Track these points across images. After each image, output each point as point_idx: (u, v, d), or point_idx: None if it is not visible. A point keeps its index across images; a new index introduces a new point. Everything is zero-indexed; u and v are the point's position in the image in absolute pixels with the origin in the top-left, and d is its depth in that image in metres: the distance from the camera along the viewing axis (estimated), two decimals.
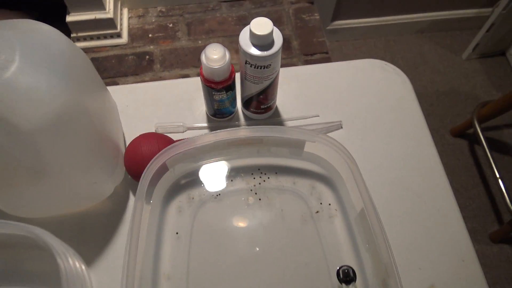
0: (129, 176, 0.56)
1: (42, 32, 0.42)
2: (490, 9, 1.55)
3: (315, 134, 0.51)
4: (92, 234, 0.52)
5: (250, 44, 0.48)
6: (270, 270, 0.50)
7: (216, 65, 0.50)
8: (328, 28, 1.56)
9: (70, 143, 0.42)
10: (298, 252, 0.51)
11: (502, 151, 1.41)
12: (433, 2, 1.52)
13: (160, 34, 1.29)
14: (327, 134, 0.58)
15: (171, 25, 1.30)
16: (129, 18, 1.31)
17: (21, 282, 0.47)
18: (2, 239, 0.44)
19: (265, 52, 0.48)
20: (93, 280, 0.49)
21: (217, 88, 0.53)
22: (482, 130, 1.28)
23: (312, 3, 1.37)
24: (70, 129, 0.42)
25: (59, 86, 0.39)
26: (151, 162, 0.49)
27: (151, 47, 1.26)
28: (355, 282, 0.47)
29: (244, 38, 0.49)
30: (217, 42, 0.51)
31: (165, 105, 0.62)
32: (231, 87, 0.54)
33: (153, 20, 1.31)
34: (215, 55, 0.50)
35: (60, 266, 0.41)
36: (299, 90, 0.64)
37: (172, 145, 0.50)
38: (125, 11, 1.31)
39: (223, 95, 0.55)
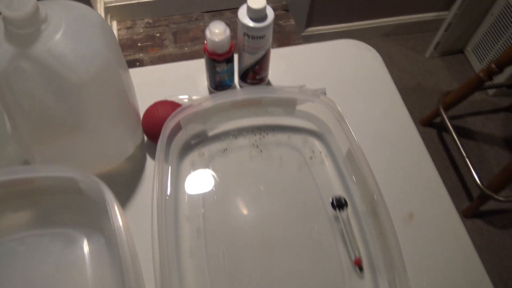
0: (145, 141, 0.64)
1: (80, 8, 0.50)
2: (447, 12, 1.72)
3: (315, 94, 0.60)
4: (117, 190, 0.59)
5: (248, 18, 0.58)
6: (273, 208, 0.58)
7: (218, 38, 0.60)
8: (302, 34, 1.68)
9: (105, 98, 0.51)
10: (297, 191, 0.59)
11: (467, 137, 1.54)
12: (395, 7, 1.67)
13: (149, 43, 1.38)
14: None
15: (158, 35, 1.40)
16: (118, 29, 1.40)
17: (62, 225, 0.54)
18: (46, 184, 0.51)
19: (260, 23, 0.58)
20: None
21: (219, 60, 0.62)
22: (448, 118, 1.41)
23: (287, 10, 1.49)
24: (106, 86, 0.50)
25: (99, 48, 0.48)
26: (168, 120, 0.57)
27: (141, 55, 1.35)
28: (347, 207, 0.56)
29: (242, 13, 0.59)
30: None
31: (171, 83, 0.71)
32: (231, 60, 0.64)
33: (141, 31, 1.41)
34: (217, 30, 0.59)
35: (108, 204, 0.48)
36: (286, 66, 0.73)
37: (185, 105, 0.58)
38: (114, 23, 1.40)
39: (224, 67, 0.64)
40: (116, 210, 0.48)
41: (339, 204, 0.56)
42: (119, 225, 0.47)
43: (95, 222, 0.54)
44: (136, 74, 0.71)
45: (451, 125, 1.39)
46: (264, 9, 0.57)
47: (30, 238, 0.53)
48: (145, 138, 0.64)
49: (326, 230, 0.56)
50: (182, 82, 0.71)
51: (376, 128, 0.67)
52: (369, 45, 0.80)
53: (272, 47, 0.66)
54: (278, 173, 0.61)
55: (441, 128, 1.56)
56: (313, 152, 0.62)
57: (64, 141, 0.52)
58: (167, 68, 0.74)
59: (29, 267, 0.51)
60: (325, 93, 0.70)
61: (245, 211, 0.58)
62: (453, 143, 1.47)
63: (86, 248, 0.53)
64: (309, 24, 1.66)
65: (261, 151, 0.62)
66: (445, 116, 1.41)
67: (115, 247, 0.49)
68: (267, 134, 0.64)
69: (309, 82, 0.71)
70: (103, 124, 0.52)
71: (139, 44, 1.37)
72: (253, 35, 0.59)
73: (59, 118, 0.49)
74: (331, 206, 0.57)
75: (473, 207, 1.36)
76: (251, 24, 0.58)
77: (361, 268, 0.54)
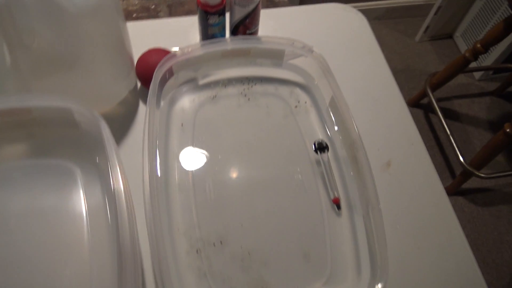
0: (138, 88, 0.67)
1: None
2: None
3: (309, 49, 0.63)
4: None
5: None
6: (259, 151, 0.61)
7: None
8: None
9: (102, 34, 0.53)
10: (282, 137, 0.62)
11: (453, 118, 1.59)
12: None
13: (144, 14, 1.40)
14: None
15: (153, 7, 1.42)
16: None
17: (57, 157, 0.57)
18: (43, 115, 0.54)
19: None
20: None
21: (212, 12, 0.65)
22: (435, 100, 1.45)
23: None
24: (104, 22, 0.52)
25: None
26: (160, 63, 0.60)
27: None
28: (328, 151, 0.60)
29: None
30: None
31: (164, 36, 0.73)
32: (222, 12, 0.66)
33: (136, 2, 1.43)
34: None
35: (103, 135, 0.50)
36: (276, 26, 0.76)
37: (178, 50, 0.61)
38: None
39: (216, 19, 0.67)
40: (111, 142, 0.50)
41: (320, 147, 0.59)
42: (114, 156, 0.49)
43: (89, 155, 0.56)
44: (131, 27, 0.73)
45: (438, 106, 1.43)
46: None
47: (26, 168, 0.56)
48: (139, 84, 0.67)
49: (308, 172, 0.60)
50: (175, 36, 0.73)
51: (359, 84, 0.70)
52: None
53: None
54: (264, 120, 0.64)
55: (428, 109, 1.60)
56: (298, 102, 0.65)
57: (62, 76, 0.55)
58: (161, 22, 0.76)
59: (24, 193, 0.54)
60: (313, 50, 0.73)
61: (232, 154, 0.61)
62: (439, 123, 1.51)
63: (80, 179, 0.56)
64: (302, 2, 1.69)
65: (249, 99, 0.65)
66: (431, 96, 1.45)
67: (107, 179, 0.52)
68: (255, 84, 0.67)
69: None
70: (98, 61, 0.55)
71: (134, 15, 1.39)
72: None
73: (57, 52, 0.52)
74: (313, 151, 0.60)
75: (456, 184, 1.40)
76: None
77: (339, 207, 0.57)
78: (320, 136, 0.63)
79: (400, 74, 1.68)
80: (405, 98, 1.65)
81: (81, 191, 0.55)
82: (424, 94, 1.52)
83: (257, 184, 0.59)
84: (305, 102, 0.66)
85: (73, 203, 0.54)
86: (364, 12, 1.76)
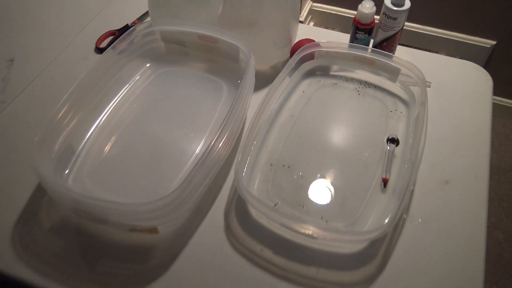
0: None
1: None
2: None
3: (427, 83, 0.79)
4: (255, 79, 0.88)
5: (390, 2, 0.82)
6: (348, 128, 0.79)
7: (366, 10, 0.85)
8: None
9: (277, 13, 0.81)
10: (369, 126, 0.79)
11: None
12: None
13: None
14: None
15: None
16: None
17: (218, 77, 0.86)
18: (222, 47, 0.83)
19: (397, 8, 0.81)
20: None
21: (360, 28, 0.87)
22: None
23: None
24: (282, 4, 0.80)
25: None
26: (306, 46, 0.84)
27: None
28: (397, 145, 0.74)
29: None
30: None
31: (323, 38, 0.97)
32: (369, 32, 0.88)
33: None
34: (368, 5, 0.84)
35: (249, 70, 0.76)
36: (409, 59, 0.93)
37: (322, 42, 0.85)
38: None
39: (362, 35, 0.88)
40: (250, 76, 0.75)
41: (392, 140, 0.75)
42: (246, 85, 0.73)
43: (237, 83, 0.83)
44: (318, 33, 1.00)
45: None
46: None
47: (199, 77, 0.87)
48: None
49: (375, 155, 0.75)
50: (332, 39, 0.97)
51: (455, 126, 0.81)
52: None
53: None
54: (363, 112, 0.82)
55: None
56: (396, 110, 0.81)
57: (244, 30, 0.83)
58: (329, 32, 1.01)
59: (189, 89, 0.85)
60: (430, 87, 0.88)
61: (328, 121, 0.81)
62: None
63: (223, 95, 0.84)
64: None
65: (359, 94, 0.84)
66: None
67: (240, 101, 0.77)
68: (369, 87, 0.86)
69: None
70: (268, 28, 0.82)
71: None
72: (389, 15, 0.82)
73: (247, 15, 0.81)
74: (386, 143, 0.76)
75: None
76: (390, 6, 0.82)
77: (385, 185, 0.71)
78: (399, 138, 0.77)
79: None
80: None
81: (221, 102, 0.83)
82: None
83: (334, 145, 0.77)
84: (401, 112, 0.81)
85: (213, 108, 0.82)
86: None
